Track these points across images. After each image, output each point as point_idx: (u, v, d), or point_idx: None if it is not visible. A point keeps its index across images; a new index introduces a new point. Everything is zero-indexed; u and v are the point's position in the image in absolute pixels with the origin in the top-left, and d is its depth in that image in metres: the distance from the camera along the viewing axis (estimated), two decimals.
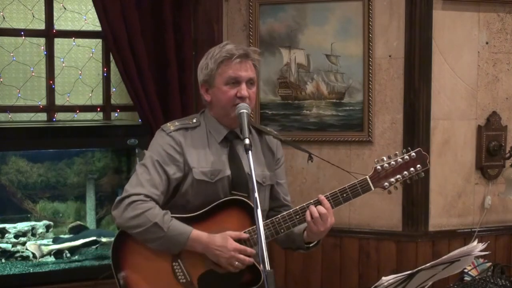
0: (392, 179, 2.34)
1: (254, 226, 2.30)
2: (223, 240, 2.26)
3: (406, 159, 2.34)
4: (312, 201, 2.32)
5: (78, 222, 3.70)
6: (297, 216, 2.33)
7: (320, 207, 2.30)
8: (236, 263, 2.26)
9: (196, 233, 2.28)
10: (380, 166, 2.34)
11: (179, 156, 2.36)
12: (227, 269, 2.28)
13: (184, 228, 2.29)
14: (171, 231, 2.27)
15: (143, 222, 2.27)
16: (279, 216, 2.33)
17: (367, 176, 2.34)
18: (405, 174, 2.34)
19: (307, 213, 2.30)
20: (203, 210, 2.34)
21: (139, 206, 2.28)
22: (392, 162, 2.34)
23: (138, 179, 2.34)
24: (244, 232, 2.31)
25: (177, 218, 2.32)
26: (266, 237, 2.28)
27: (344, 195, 2.32)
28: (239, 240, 2.28)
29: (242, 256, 2.26)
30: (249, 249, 2.28)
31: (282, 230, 2.32)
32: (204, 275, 2.31)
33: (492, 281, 3.07)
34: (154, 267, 2.34)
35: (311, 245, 2.42)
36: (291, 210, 2.34)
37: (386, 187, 2.34)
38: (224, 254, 2.25)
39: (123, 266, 2.36)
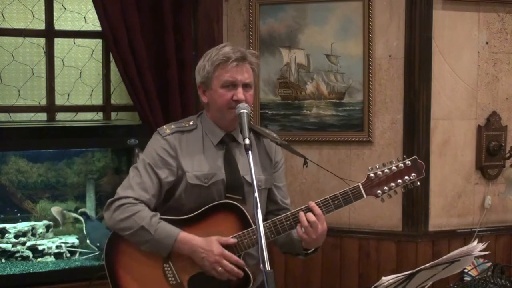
0: (386, 187, 2.29)
1: (248, 229, 2.30)
2: (210, 244, 2.26)
3: (400, 167, 2.29)
4: (302, 207, 2.30)
5: (84, 209, 3.72)
6: (288, 222, 2.30)
7: (309, 215, 2.26)
8: (219, 268, 2.25)
9: (184, 235, 2.28)
10: (374, 173, 2.29)
11: (173, 160, 2.36)
12: (211, 274, 2.27)
13: (171, 230, 2.29)
14: (158, 233, 2.27)
15: (131, 225, 2.28)
16: (269, 221, 2.31)
17: (360, 184, 2.30)
18: (399, 182, 2.29)
19: (298, 225, 2.27)
20: (195, 212, 2.34)
21: (128, 209, 2.29)
22: (386, 170, 2.29)
23: (129, 182, 2.35)
24: (239, 235, 2.30)
25: (167, 220, 2.32)
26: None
27: (336, 202, 2.29)
28: (227, 247, 2.27)
29: (225, 262, 2.25)
30: (235, 257, 2.27)
31: (272, 235, 2.31)
32: (195, 277, 2.31)
33: (492, 281, 3.07)
34: (145, 269, 2.34)
35: (309, 251, 2.40)
36: (281, 216, 2.31)
37: (379, 195, 2.30)
38: (209, 258, 2.25)
39: (115, 267, 2.37)
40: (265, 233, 2.26)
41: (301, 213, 2.27)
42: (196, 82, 2.44)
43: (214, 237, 2.28)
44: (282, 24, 3.73)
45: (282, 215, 2.32)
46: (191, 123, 2.44)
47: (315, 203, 2.29)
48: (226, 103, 2.33)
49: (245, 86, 2.35)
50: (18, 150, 3.52)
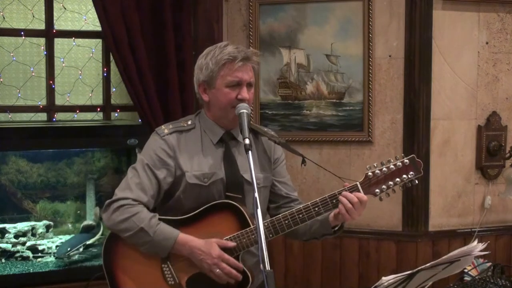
0: (384, 186, 2.28)
1: (247, 229, 2.29)
2: (208, 246, 2.26)
3: (398, 166, 2.28)
4: (340, 189, 2.28)
5: (91, 222, 3.72)
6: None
7: (347, 198, 2.25)
8: (218, 270, 2.25)
9: (182, 237, 2.28)
10: (372, 172, 2.29)
11: (171, 160, 2.36)
12: (210, 275, 2.27)
13: (170, 232, 2.29)
14: (157, 235, 2.27)
15: (131, 226, 2.28)
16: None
17: (358, 183, 2.30)
18: (397, 181, 2.28)
19: (343, 200, 2.26)
20: (193, 212, 2.34)
21: (127, 210, 2.29)
22: (384, 169, 2.28)
23: (127, 183, 2.35)
24: (237, 234, 2.30)
25: (166, 220, 2.32)
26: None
27: (334, 201, 2.30)
28: (225, 249, 2.27)
29: (223, 265, 2.25)
30: (233, 260, 2.26)
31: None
32: (193, 278, 2.32)
33: (492, 281, 3.06)
34: (143, 269, 2.34)
35: (336, 228, 2.40)
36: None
37: (377, 193, 2.30)
38: (207, 260, 2.25)
39: (113, 267, 2.37)
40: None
41: (346, 193, 2.26)
42: (197, 80, 2.43)
43: (213, 239, 2.28)
44: (282, 24, 3.73)
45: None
46: (189, 122, 2.45)
47: (311, 203, 2.29)
48: (230, 102, 2.34)
49: (248, 85, 2.36)
50: (18, 150, 3.52)
